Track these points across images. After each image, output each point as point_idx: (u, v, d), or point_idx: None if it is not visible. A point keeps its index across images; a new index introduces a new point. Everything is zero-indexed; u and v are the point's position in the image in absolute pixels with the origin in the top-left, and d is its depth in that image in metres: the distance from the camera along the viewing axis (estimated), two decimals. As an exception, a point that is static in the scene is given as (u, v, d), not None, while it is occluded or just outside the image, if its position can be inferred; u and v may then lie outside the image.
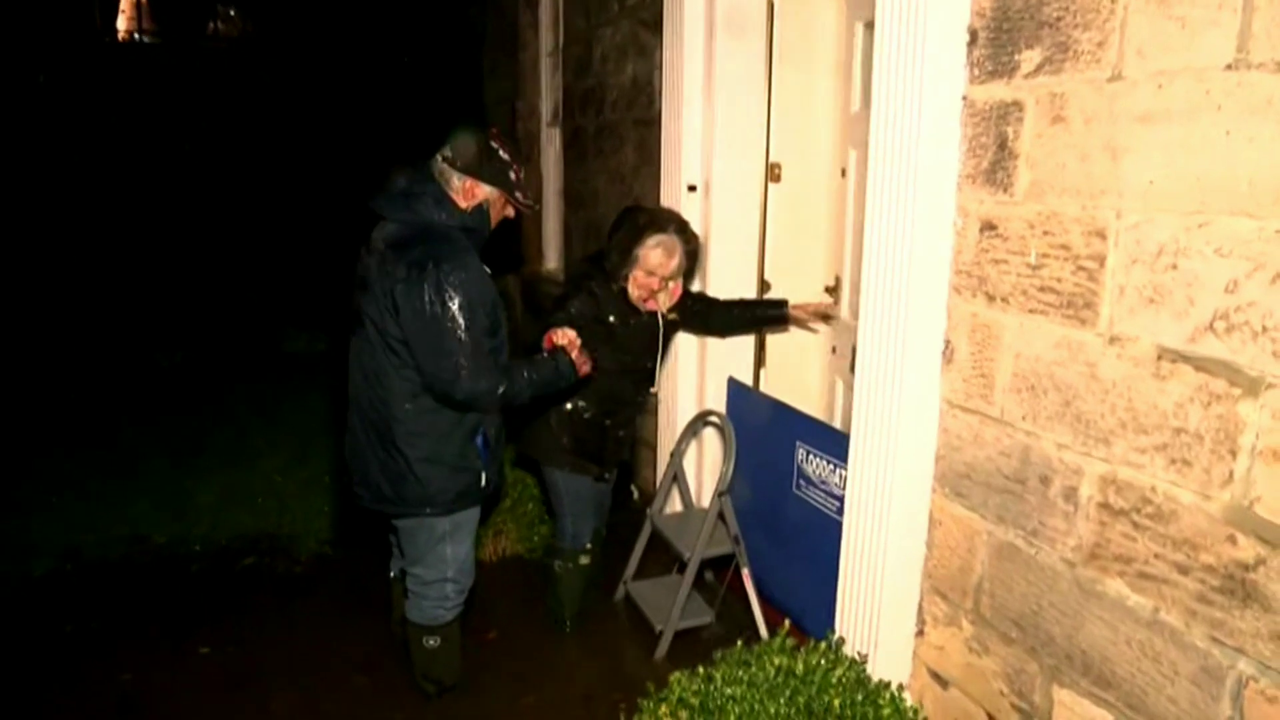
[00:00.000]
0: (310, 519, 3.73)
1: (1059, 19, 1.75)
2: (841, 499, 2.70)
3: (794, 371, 3.51)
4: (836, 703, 1.59)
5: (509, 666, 2.83)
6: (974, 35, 1.97)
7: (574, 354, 2.42)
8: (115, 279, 8.19)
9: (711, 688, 1.62)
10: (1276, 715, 1.46)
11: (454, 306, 2.15)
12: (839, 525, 2.70)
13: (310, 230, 8.44)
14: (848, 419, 3.52)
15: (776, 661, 1.71)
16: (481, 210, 2.31)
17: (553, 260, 6.35)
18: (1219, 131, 1.47)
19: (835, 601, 2.54)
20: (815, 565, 2.85)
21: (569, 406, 2.83)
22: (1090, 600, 1.79)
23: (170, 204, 8.69)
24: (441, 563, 2.44)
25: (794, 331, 3.51)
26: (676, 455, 3.21)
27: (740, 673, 1.68)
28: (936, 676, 2.25)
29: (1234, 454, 1.49)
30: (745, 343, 3.51)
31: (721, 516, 2.85)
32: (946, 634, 2.22)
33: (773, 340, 3.53)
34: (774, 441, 2.99)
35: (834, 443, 2.77)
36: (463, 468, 2.37)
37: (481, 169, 2.27)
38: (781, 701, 1.57)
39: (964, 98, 2.00)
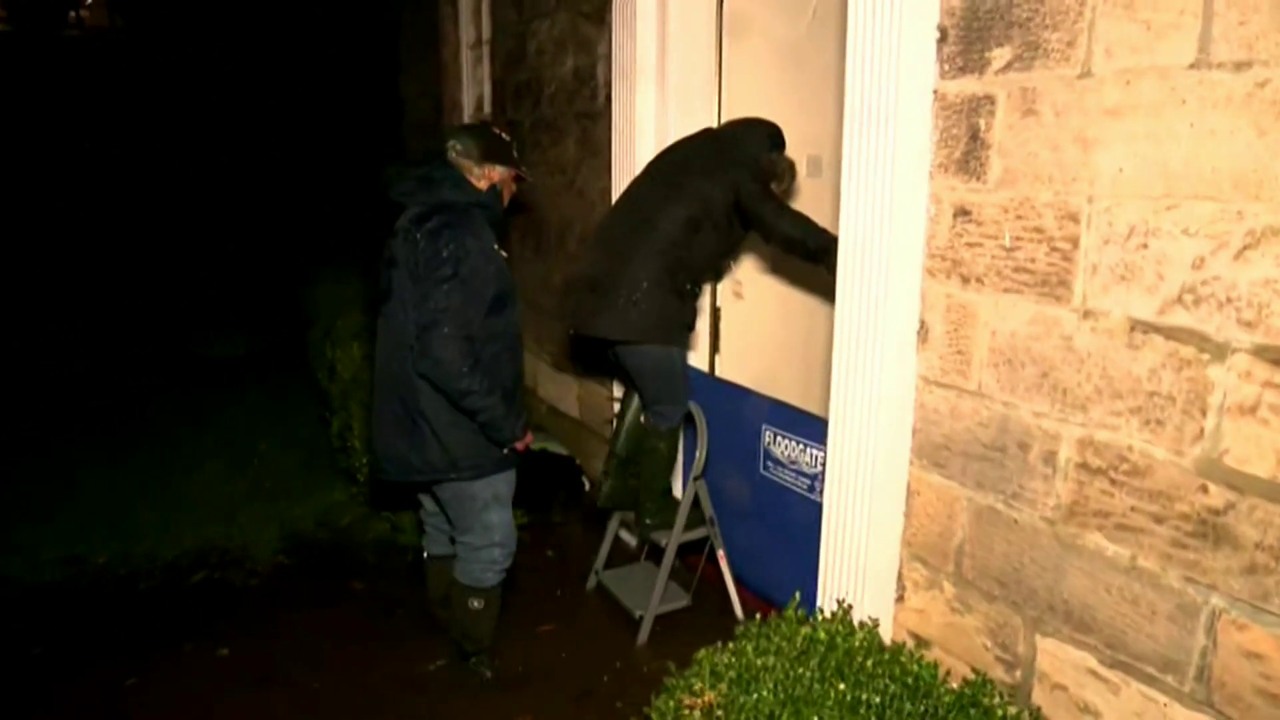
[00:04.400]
0: (261, 528, 3.60)
1: (1028, 20, 1.89)
2: (813, 477, 2.83)
3: (749, 355, 3.62)
4: (869, 664, 1.69)
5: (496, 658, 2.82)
6: (944, 33, 2.10)
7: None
8: (6, 285, 7.58)
9: (743, 660, 1.70)
10: (1245, 641, 1.65)
11: (458, 269, 2.33)
12: (811, 503, 2.83)
13: (220, 229, 8.03)
14: (803, 400, 3.68)
15: (803, 631, 1.80)
16: (495, 190, 2.58)
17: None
18: (1184, 124, 1.64)
19: (809, 576, 2.66)
20: (788, 543, 2.96)
21: (689, 286, 2.77)
22: (1071, 554, 1.95)
23: (62, 205, 8.09)
24: (487, 530, 2.58)
25: (748, 317, 3.63)
26: (643, 443, 3.26)
27: (767, 643, 1.76)
28: (917, 638, 2.40)
29: (1204, 412, 1.67)
30: (701, 330, 3.60)
31: (696, 501, 2.92)
32: (927, 597, 2.36)
33: (727, 326, 3.62)
34: (739, 426, 3.09)
35: (802, 424, 2.89)
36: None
37: (497, 154, 2.55)
38: (813, 665, 1.66)
39: (935, 91, 2.13)
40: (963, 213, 2.11)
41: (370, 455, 2.67)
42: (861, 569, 2.44)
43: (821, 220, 3.80)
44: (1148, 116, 1.69)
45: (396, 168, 2.52)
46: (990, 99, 2.00)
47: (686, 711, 1.57)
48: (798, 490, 2.88)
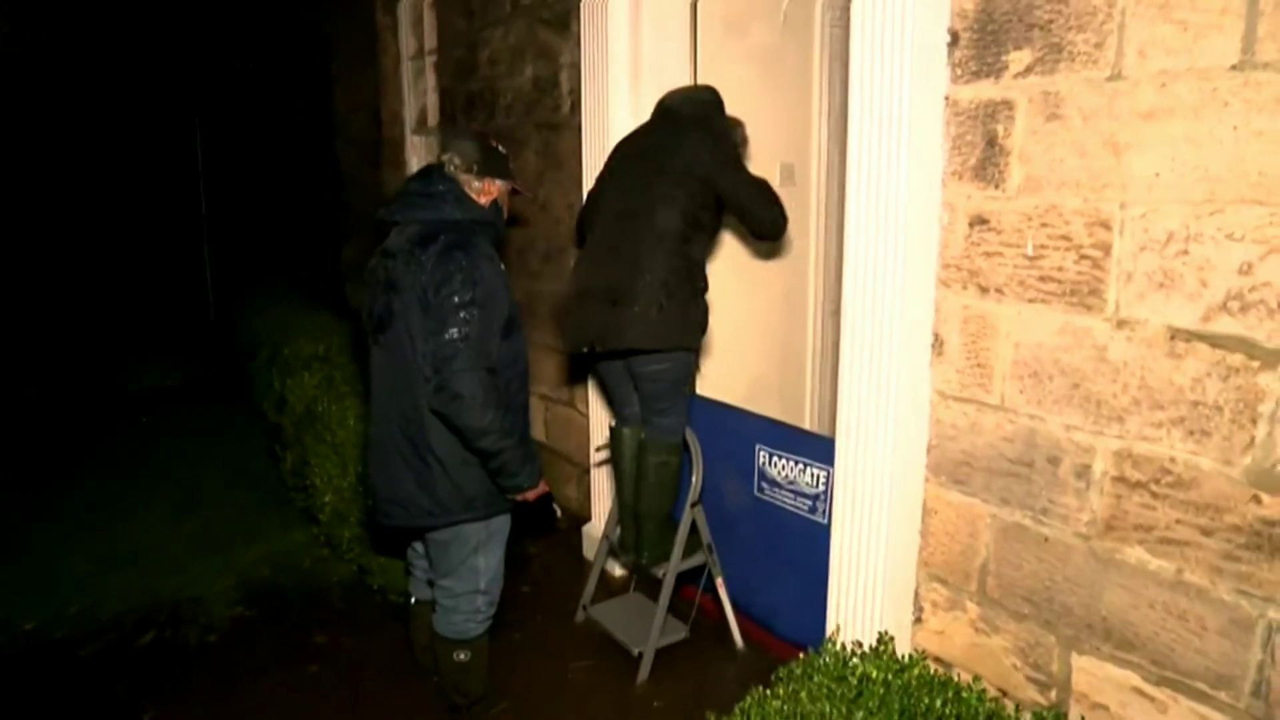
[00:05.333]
0: (213, 577, 3.31)
1: (1050, 22, 1.84)
2: (814, 498, 2.73)
3: (728, 371, 3.52)
4: (938, 703, 1.59)
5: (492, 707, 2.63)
6: (955, 37, 2.03)
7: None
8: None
9: (799, 708, 1.57)
10: (1307, 655, 1.61)
11: (474, 295, 2.17)
12: (812, 524, 2.73)
13: (142, 253, 7.50)
14: (784, 414, 3.59)
15: (858, 669, 1.69)
16: (496, 205, 2.44)
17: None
18: (1226, 127, 1.60)
19: (812, 600, 2.56)
20: (787, 566, 2.86)
21: (702, 285, 2.66)
22: (1109, 569, 1.89)
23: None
24: (473, 574, 2.39)
25: (723, 330, 3.53)
26: (628, 469, 3.11)
27: (817, 687, 1.64)
28: (938, 660, 2.31)
29: (1254, 421, 1.62)
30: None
31: (693, 528, 2.80)
32: (948, 618, 2.28)
33: (706, 344, 3.51)
34: (729, 446, 2.97)
35: (800, 442, 2.79)
36: None
37: (495, 167, 2.40)
38: (872, 707, 1.55)
39: (946, 97, 2.07)
40: (980, 221, 2.04)
41: (369, 499, 2.45)
42: (874, 591, 2.34)
43: (799, 228, 3.77)
44: (1186, 119, 1.65)
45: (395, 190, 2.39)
46: (1009, 104, 1.94)
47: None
48: (798, 512, 2.77)
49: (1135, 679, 1.88)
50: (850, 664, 1.75)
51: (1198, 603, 1.75)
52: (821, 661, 1.78)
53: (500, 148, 2.46)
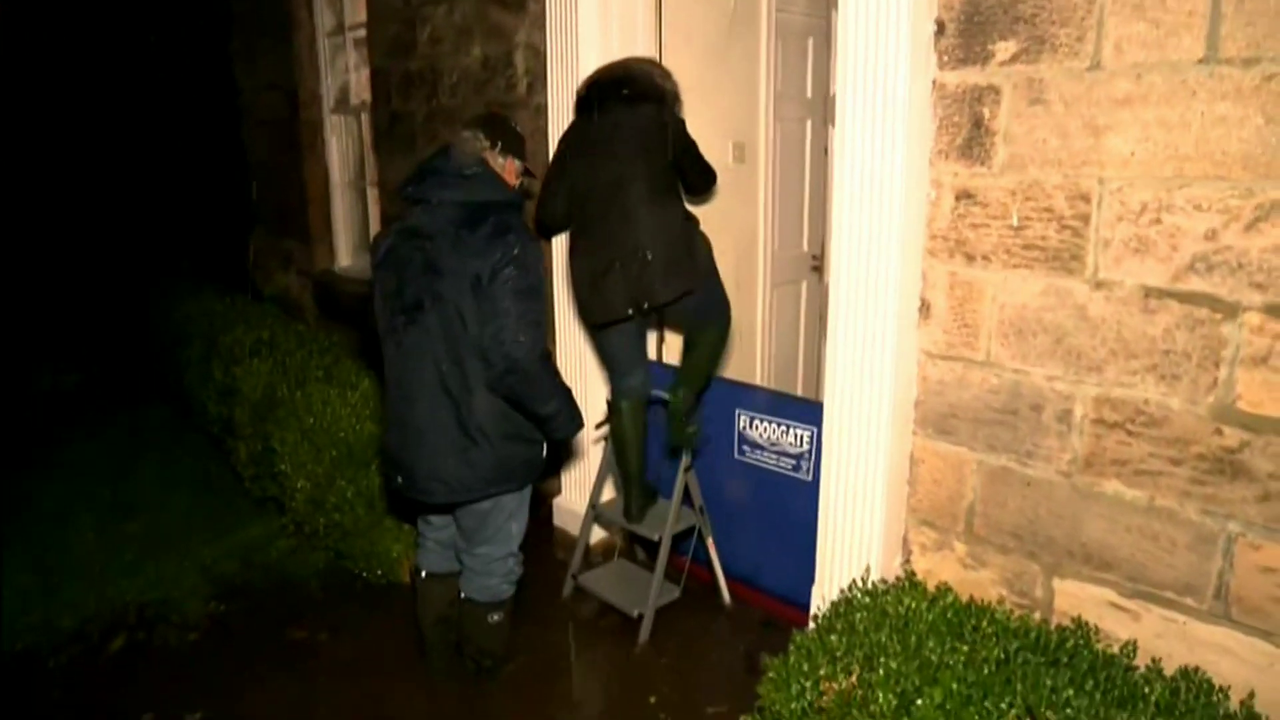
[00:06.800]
0: (178, 577, 3.18)
1: (1035, 15, 2.05)
2: (798, 457, 2.92)
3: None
4: (983, 623, 1.78)
5: (505, 681, 2.70)
6: (941, 27, 2.22)
7: None
8: None
9: (858, 639, 1.73)
10: (1261, 559, 1.91)
11: (527, 281, 2.25)
12: (797, 481, 2.92)
13: (30, 245, 6.84)
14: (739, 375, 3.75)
15: (906, 601, 1.87)
16: (522, 185, 2.52)
17: (345, 257, 5.89)
18: (1194, 113, 1.85)
19: (797, 554, 2.76)
20: (770, 523, 3.04)
21: (698, 222, 2.84)
22: (1089, 501, 2.16)
23: None
24: (509, 539, 2.52)
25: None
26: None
27: (862, 620, 1.81)
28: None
29: (1217, 365, 1.90)
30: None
31: (687, 492, 2.93)
32: (936, 558, 2.52)
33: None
34: (708, 412, 3.12)
35: (782, 406, 2.97)
36: (534, 440, 2.45)
37: (513, 147, 2.48)
38: (922, 631, 1.73)
39: (934, 82, 2.26)
40: (966, 196, 2.25)
41: (398, 476, 2.42)
42: (864, 540, 2.55)
43: (748, 205, 3.94)
44: (1159, 106, 1.89)
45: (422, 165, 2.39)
46: (995, 89, 2.15)
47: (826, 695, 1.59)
48: (782, 471, 2.96)
49: (1112, 595, 2.16)
50: (887, 598, 1.93)
51: (1168, 524, 2.04)
52: (854, 601, 1.96)
53: (518, 127, 2.53)
